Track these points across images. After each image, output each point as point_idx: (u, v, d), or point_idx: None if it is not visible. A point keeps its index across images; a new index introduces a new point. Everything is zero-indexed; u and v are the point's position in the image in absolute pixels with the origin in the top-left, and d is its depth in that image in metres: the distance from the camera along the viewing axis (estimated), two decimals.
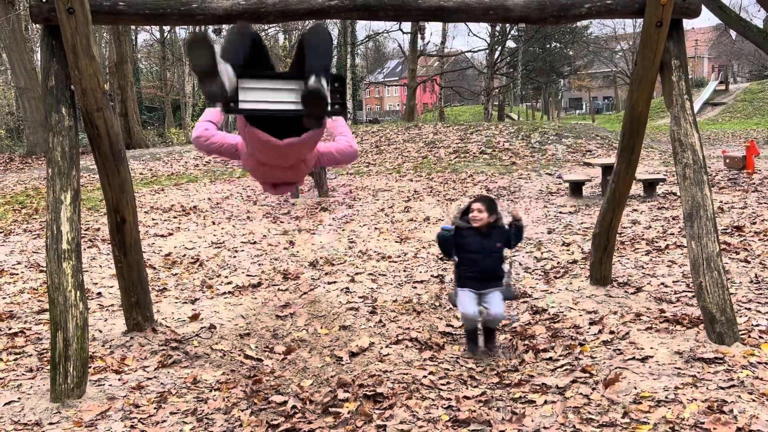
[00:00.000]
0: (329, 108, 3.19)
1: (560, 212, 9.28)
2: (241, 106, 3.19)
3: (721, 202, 8.92)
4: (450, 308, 5.35)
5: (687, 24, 4.68)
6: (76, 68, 3.85)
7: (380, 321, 5.14)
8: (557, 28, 35.88)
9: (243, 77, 3.18)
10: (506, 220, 4.58)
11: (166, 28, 35.37)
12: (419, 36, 32.16)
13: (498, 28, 35.51)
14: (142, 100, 33.76)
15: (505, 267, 4.53)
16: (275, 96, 3.23)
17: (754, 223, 7.48)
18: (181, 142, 28.02)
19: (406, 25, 33.14)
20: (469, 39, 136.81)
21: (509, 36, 36.51)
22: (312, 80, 3.07)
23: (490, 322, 4.41)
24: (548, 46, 39.42)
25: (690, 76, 4.61)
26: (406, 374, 4.06)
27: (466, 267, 4.43)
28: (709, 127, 28.61)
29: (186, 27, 38.22)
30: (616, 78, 52.23)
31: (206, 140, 3.73)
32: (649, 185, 10.11)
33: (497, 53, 36.41)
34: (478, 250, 4.37)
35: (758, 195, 9.38)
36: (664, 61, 4.44)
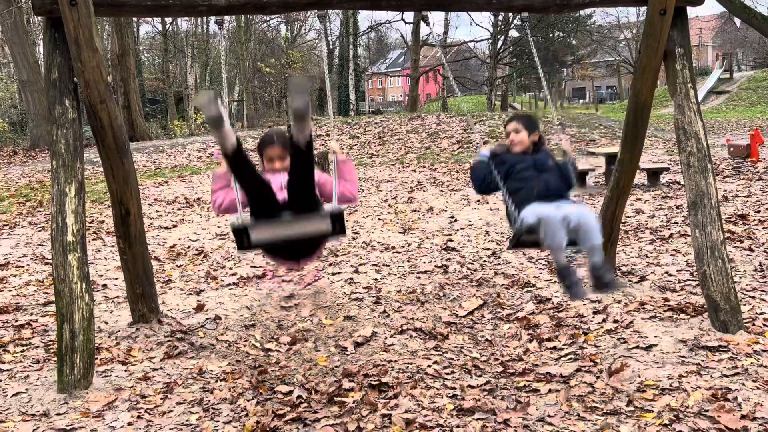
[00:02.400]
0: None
1: None
2: (257, 242, 3.26)
3: (725, 190, 8.90)
4: (455, 298, 5.36)
5: (691, 12, 4.67)
6: (79, 60, 3.85)
7: (384, 311, 5.16)
8: (560, 17, 35.70)
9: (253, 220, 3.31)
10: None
11: (168, 19, 35.32)
12: (423, 25, 32.04)
13: (501, 17, 35.34)
14: (144, 92, 33.75)
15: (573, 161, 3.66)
16: (289, 230, 3.27)
17: (759, 212, 7.46)
18: (184, 134, 28.02)
19: (409, 15, 33.04)
20: (472, 29, 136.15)
21: (512, 25, 36.32)
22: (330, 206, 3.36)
23: (583, 235, 3.38)
24: (551, 35, 39.21)
25: (694, 65, 4.59)
26: (411, 364, 4.08)
27: (525, 190, 3.54)
28: (713, 116, 28.49)
29: (189, 18, 38.19)
30: (620, 67, 51.96)
31: (224, 204, 3.70)
32: (653, 174, 10.09)
33: (500, 43, 36.26)
34: (530, 165, 3.58)
35: (762, 183, 9.36)
36: (668, 49, 4.42)
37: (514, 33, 37.87)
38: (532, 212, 3.33)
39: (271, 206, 3.29)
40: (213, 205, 3.76)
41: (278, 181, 3.51)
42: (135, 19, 30.56)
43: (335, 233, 3.26)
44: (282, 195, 3.39)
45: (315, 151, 11.78)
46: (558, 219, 3.24)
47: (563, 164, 3.73)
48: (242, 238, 3.17)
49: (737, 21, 47.49)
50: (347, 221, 8.68)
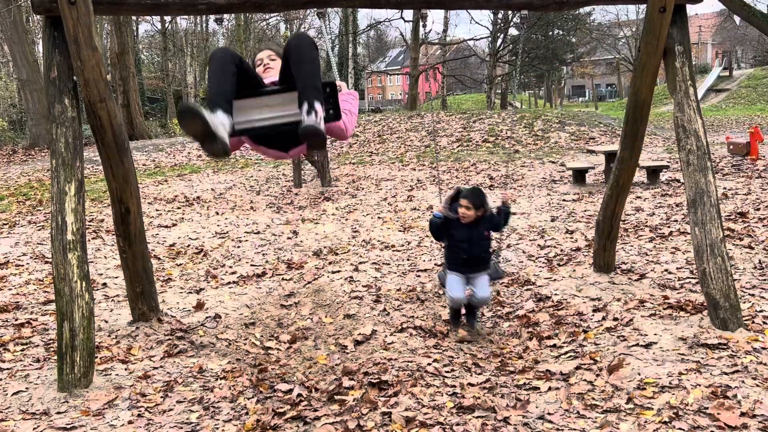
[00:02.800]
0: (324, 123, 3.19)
1: (563, 200, 9.27)
2: (241, 127, 3.18)
3: (724, 188, 8.90)
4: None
5: (690, 9, 4.66)
6: (79, 59, 3.85)
7: (384, 309, 5.16)
8: (560, 15, 35.69)
9: (237, 98, 3.19)
10: (496, 204, 4.73)
11: (168, 18, 35.30)
12: (421, 24, 32.05)
13: (500, 15, 35.31)
14: (144, 91, 33.74)
15: (494, 245, 4.76)
16: (272, 112, 3.22)
17: (758, 209, 7.47)
18: (184, 132, 28.01)
19: (408, 14, 33.02)
20: (472, 27, 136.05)
21: (512, 23, 36.30)
22: (305, 112, 3.13)
23: (476, 304, 4.63)
24: (551, 33, 39.18)
25: (693, 63, 4.59)
26: (411, 362, 4.08)
27: (454, 253, 4.57)
28: (712, 114, 28.49)
29: (187, 16, 38.15)
30: (619, 65, 51.99)
31: None
32: (653, 172, 10.09)
33: (500, 41, 36.23)
34: (465, 239, 4.51)
35: (762, 181, 9.36)
36: (667, 47, 4.42)
37: (513, 31, 37.85)
38: (448, 285, 4.54)
39: (254, 85, 3.26)
40: None
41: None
42: (134, 17, 30.55)
43: (328, 116, 3.17)
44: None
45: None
46: (460, 297, 4.47)
47: (498, 216, 4.63)
48: (214, 152, 3.01)
49: (737, 19, 47.44)
50: (348, 216, 8.69)
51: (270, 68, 3.85)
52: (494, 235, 4.74)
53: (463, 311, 4.74)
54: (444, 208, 4.60)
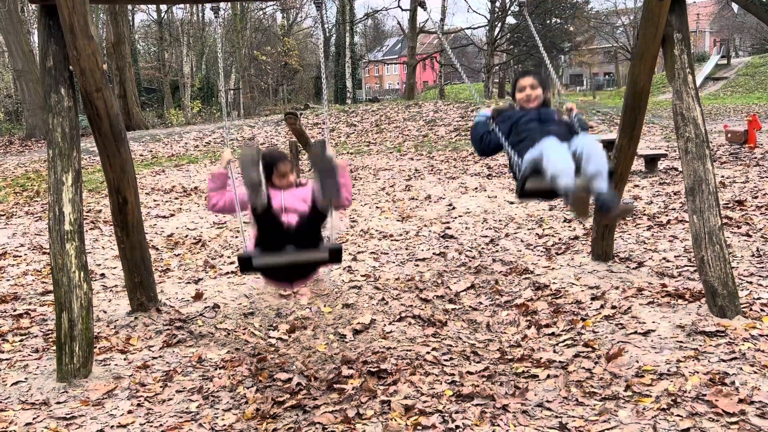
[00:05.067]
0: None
1: None
2: (258, 263, 3.38)
3: (722, 176, 8.90)
4: (457, 281, 5.37)
5: None
6: (74, 48, 3.83)
7: (383, 299, 5.16)
8: (557, 3, 35.57)
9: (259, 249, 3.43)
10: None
11: (164, 8, 35.12)
12: (419, 13, 31.88)
13: (498, 3, 35.19)
14: (140, 81, 33.58)
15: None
16: (293, 257, 3.38)
17: (756, 197, 7.47)
18: (181, 123, 27.93)
19: (406, 2, 32.87)
20: (469, 15, 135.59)
21: (509, 12, 36.17)
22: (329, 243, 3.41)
23: (594, 176, 3.02)
24: (548, 21, 39.05)
25: (692, 51, 4.57)
26: (410, 351, 4.09)
27: (527, 140, 3.37)
28: (710, 102, 28.47)
29: (183, 6, 37.94)
30: (617, 53, 51.84)
31: (219, 204, 3.83)
32: (651, 161, 10.08)
33: (497, 30, 36.10)
34: (536, 119, 3.48)
35: (760, 169, 9.37)
36: (666, 34, 4.40)
37: (511, 20, 37.71)
38: (537, 149, 3.18)
39: (277, 240, 3.38)
40: (208, 205, 3.82)
41: (279, 200, 3.67)
42: (130, 7, 30.38)
43: (332, 262, 3.45)
44: (285, 218, 3.52)
45: (312, 139, 11.71)
46: (562, 147, 3.05)
47: (569, 120, 3.56)
48: (247, 266, 3.35)
49: (735, 6, 47.32)
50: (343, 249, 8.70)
51: (287, 181, 3.86)
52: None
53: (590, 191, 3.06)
54: (494, 109, 3.54)
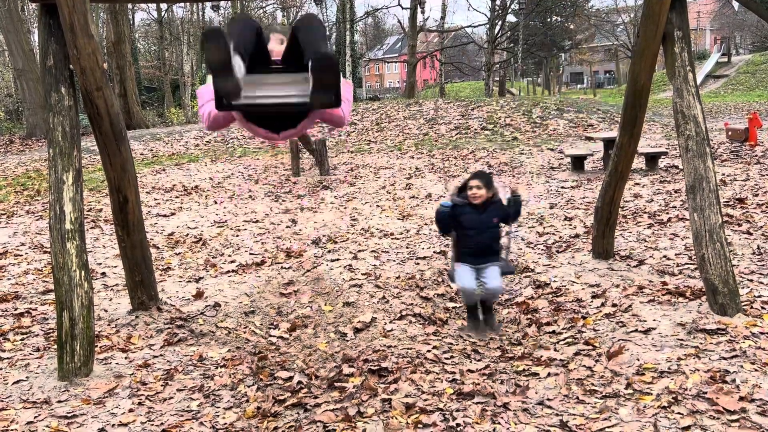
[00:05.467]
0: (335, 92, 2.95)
1: (562, 187, 9.27)
2: (241, 102, 2.99)
3: (723, 174, 8.90)
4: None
5: None
6: (75, 47, 3.83)
7: (384, 297, 5.16)
8: (558, 2, 35.54)
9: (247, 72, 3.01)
10: (505, 195, 4.52)
11: (164, 6, 35.11)
12: (419, 11, 31.88)
13: (498, 1, 35.15)
14: (140, 80, 33.58)
15: (504, 241, 4.52)
16: (277, 90, 3.04)
17: (757, 195, 7.47)
18: (181, 121, 27.93)
19: (406, 1, 32.84)
20: (469, 14, 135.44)
21: (510, 10, 36.15)
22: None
23: (488, 297, 4.39)
24: (549, 19, 39.04)
25: (692, 49, 4.57)
26: (410, 349, 4.09)
27: (463, 243, 4.41)
28: (711, 100, 28.44)
29: (183, 5, 37.90)
30: (618, 51, 51.79)
31: (212, 114, 3.37)
32: (651, 159, 10.08)
33: (498, 28, 36.08)
34: (475, 226, 4.36)
35: (761, 167, 9.36)
36: (666, 32, 4.40)
37: (511, 18, 37.68)
38: (458, 278, 4.33)
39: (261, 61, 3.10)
40: (203, 119, 3.48)
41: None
42: (130, 5, 30.37)
43: (325, 101, 2.96)
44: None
45: (313, 138, 11.70)
46: (472, 288, 4.24)
47: (508, 207, 4.45)
48: (226, 101, 2.91)
49: (735, 4, 47.27)
50: (346, 205, 8.68)
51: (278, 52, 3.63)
52: (504, 228, 4.53)
53: (479, 308, 4.47)
54: (452, 196, 4.49)
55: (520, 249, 6.25)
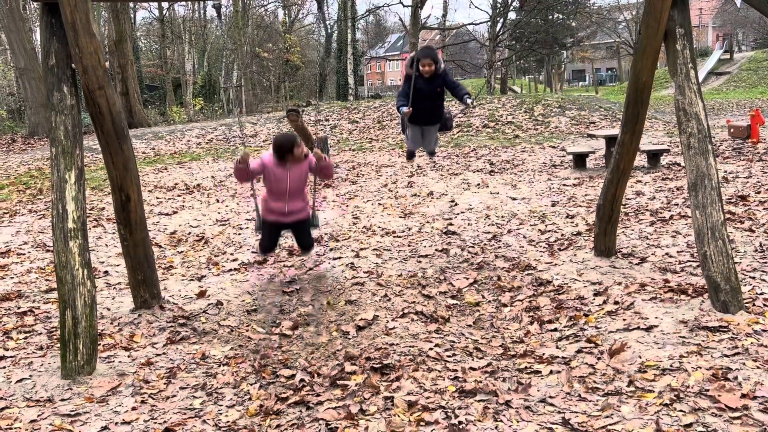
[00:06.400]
0: None
1: (564, 185, 9.26)
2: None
3: (725, 171, 8.89)
4: (459, 277, 5.38)
5: None
6: (77, 46, 3.84)
7: (386, 295, 5.17)
8: None
9: None
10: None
11: (165, 5, 35.11)
12: (420, 9, 31.81)
13: None
14: (142, 78, 33.55)
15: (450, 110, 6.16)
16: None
17: (759, 192, 7.46)
18: (183, 120, 27.94)
19: None
20: (471, 11, 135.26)
21: (511, 7, 36.05)
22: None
23: (428, 153, 6.61)
24: (550, 17, 38.90)
25: (694, 45, 4.57)
26: (413, 347, 4.10)
27: (415, 108, 5.64)
28: (713, 97, 28.39)
29: (185, 3, 37.95)
30: (620, 49, 51.64)
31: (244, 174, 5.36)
32: (653, 156, 10.07)
33: (499, 25, 35.99)
34: (425, 93, 5.66)
35: (763, 164, 9.35)
36: (668, 29, 4.40)
37: (513, 15, 37.59)
38: (407, 138, 6.29)
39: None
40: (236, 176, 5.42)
41: (284, 177, 5.31)
42: (132, 4, 30.38)
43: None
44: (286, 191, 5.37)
45: (314, 136, 11.72)
46: (414, 149, 6.39)
47: (449, 76, 5.98)
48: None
49: (737, 1, 47.15)
50: (348, 203, 8.70)
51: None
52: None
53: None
54: (407, 68, 5.72)
55: (522, 247, 6.25)
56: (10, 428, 3.28)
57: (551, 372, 3.63)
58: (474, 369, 3.73)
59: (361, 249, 6.52)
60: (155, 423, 3.32)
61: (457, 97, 5.79)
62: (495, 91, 35.36)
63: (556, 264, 5.63)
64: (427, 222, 7.51)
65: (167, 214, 8.65)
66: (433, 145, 6.35)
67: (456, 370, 3.72)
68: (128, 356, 4.15)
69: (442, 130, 6.21)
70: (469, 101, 5.72)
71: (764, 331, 3.80)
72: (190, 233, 7.57)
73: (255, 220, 5.73)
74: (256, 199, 5.75)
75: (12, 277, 5.98)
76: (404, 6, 33.93)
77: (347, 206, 8.71)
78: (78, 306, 3.84)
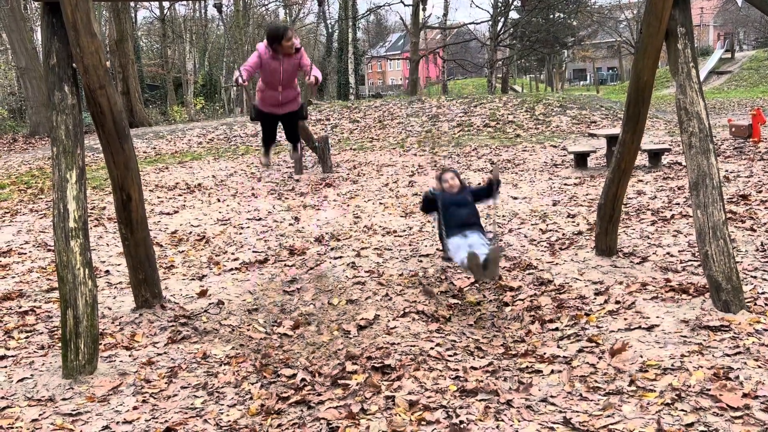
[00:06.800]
0: None
1: (565, 184, 9.26)
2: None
3: (726, 171, 8.88)
4: (460, 277, 5.38)
5: None
6: (78, 46, 3.84)
7: (387, 295, 5.17)
8: None
9: None
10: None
11: (166, 5, 35.09)
12: (421, 8, 31.81)
13: None
14: (143, 78, 33.56)
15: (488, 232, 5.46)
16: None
17: (760, 192, 7.45)
18: (184, 120, 27.95)
19: None
20: (472, 10, 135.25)
21: (512, 6, 36.05)
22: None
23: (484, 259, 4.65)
24: (551, 16, 38.87)
25: (695, 45, 4.56)
26: (414, 346, 4.10)
27: (449, 217, 5.12)
28: (714, 96, 28.37)
29: (185, 2, 37.91)
30: (621, 48, 51.63)
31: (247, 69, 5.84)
32: (654, 155, 10.06)
33: (500, 25, 35.99)
34: (455, 203, 5.19)
35: (764, 163, 9.34)
36: (669, 28, 4.39)
37: (514, 15, 37.59)
38: (454, 254, 4.91)
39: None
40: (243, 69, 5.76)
41: (278, 68, 5.86)
42: (133, 4, 30.38)
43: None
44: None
45: (316, 135, 11.76)
46: (466, 258, 4.58)
47: (484, 187, 5.48)
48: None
49: (738, 0, 47.08)
50: (349, 202, 8.69)
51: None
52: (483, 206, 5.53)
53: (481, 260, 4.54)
54: (437, 185, 5.41)
55: (523, 246, 6.25)
56: (12, 427, 3.29)
57: (552, 371, 3.63)
58: (475, 368, 3.73)
59: (362, 248, 6.52)
60: (156, 422, 3.32)
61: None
62: (496, 90, 35.36)
63: (557, 263, 5.62)
64: (428, 221, 7.51)
65: (168, 214, 8.65)
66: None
67: (457, 370, 3.72)
68: (129, 356, 4.15)
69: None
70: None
71: (765, 330, 3.79)
72: (191, 233, 7.57)
73: (250, 111, 6.40)
74: (250, 92, 6.62)
75: (13, 277, 5.99)
76: (405, 5, 33.95)
77: (348, 206, 8.71)
78: (79, 305, 3.85)
